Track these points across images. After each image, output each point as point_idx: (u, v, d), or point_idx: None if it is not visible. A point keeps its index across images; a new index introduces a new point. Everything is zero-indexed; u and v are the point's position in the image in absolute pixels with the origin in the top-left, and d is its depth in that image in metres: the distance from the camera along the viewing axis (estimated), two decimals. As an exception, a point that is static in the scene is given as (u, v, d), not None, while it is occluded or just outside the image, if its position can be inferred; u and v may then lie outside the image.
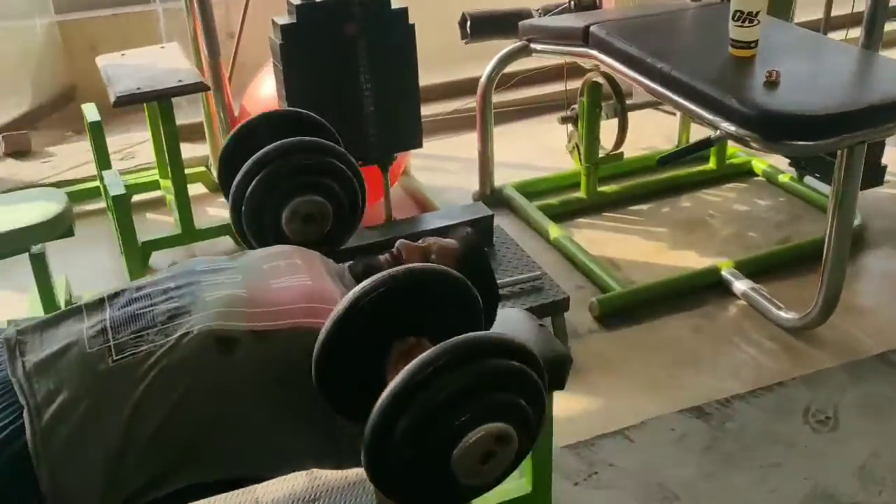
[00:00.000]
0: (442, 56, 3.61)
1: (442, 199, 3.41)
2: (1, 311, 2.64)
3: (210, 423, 1.32)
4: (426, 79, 4.17)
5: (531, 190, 3.45)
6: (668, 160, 2.51)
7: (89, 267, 3.01)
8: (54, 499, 1.26)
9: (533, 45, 3.13)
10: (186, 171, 3.00)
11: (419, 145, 2.96)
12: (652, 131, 3.80)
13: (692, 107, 2.36)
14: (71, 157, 3.80)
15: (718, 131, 2.29)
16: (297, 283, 1.48)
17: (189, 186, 3.03)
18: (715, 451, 2.24)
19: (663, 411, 2.37)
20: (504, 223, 3.30)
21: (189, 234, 3.01)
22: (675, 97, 2.41)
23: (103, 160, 3.07)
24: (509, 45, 3.24)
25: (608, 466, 2.20)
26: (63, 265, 2.77)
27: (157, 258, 3.03)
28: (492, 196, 3.42)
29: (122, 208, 2.74)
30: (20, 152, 3.84)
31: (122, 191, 2.73)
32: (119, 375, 1.31)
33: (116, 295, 1.45)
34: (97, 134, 3.03)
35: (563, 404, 2.40)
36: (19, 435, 1.26)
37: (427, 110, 4.13)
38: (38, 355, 1.34)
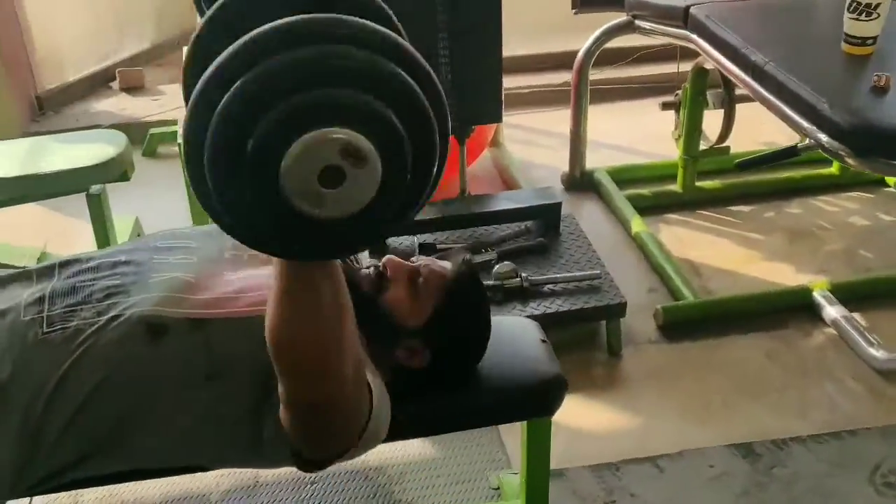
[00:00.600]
0: (559, 24, 3.40)
1: (529, 177, 3.23)
2: (69, 245, 2.73)
3: (125, 417, 1.25)
4: (535, 48, 4.01)
5: (624, 177, 3.20)
6: (747, 165, 2.23)
7: (164, 209, 3.05)
8: None
9: (638, 22, 2.87)
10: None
11: (497, 119, 2.80)
12: (773, 126, 3.43)
13: (781, 106, 2.07)
14: (180, 98, 3.87)
15: (808, 139, 2.00)
16: (255, 274, 1.38)
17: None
18: (753, 498, 2.00)
19: (706, 443, 2.14)
20: (589, 210, 3.10)
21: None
22: (765, 93, 2.12)
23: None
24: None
25: (628, 496, 2.00)
26: (142, 204, 2.82)
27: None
28: (581, 179, 3.21)
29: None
30: (134, 88, 3.95)
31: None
32: (44, 349, 1.26)
33: (68, 264, 1.40)
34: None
35: (595, 418, 2.22)
36: None
37: (537, 80, 3.98)
38: None
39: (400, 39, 0.90)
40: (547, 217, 2.62)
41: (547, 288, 2.40)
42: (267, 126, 0.85)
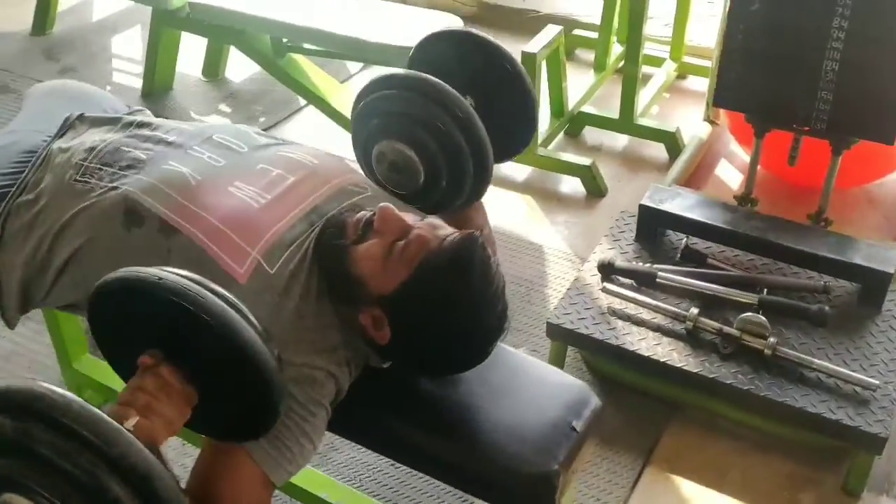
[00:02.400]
0: None
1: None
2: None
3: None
4: None
5: None
6: None
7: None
8: None
9: None
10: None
11: (886, 141, 2.10)
12: None
13: None
14: None
15: None
16: (250, 200, 1.27)
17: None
18: None
19: None
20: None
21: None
22: None
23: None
24: None
25: None
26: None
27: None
28: None
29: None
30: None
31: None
32: (67, 194, 1.31)
33: (142, 125, 1.42)
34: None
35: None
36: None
37: None
38: (64, 143, 1.42)
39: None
40: (868, 285, 1.96)
41: (795, 369, 1.82)
42: None
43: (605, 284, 2.01)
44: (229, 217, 1.24)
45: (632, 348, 1.89)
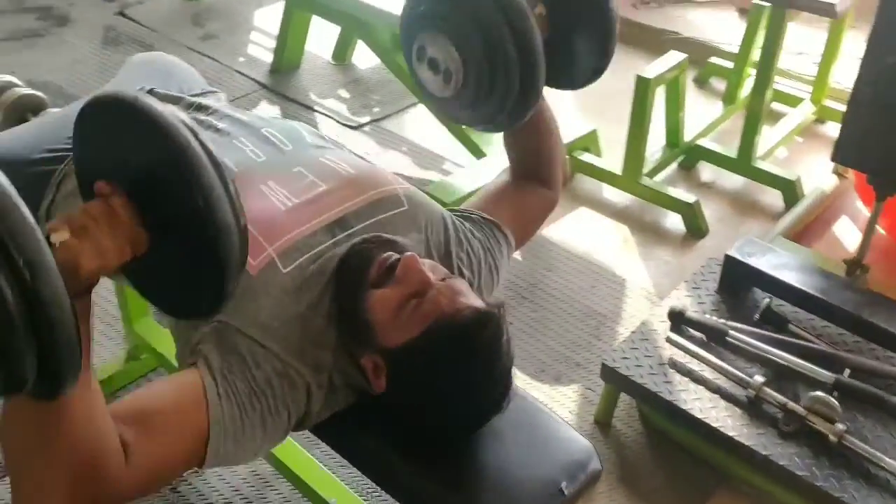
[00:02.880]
0: None
1: None
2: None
3: None
4: None
5: None
6: None
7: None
8: None
9: None
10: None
11: None
12: None
13: None
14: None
15: None
16: (277, 202, 1.25)
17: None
18: None
19: None
20: None
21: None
22: None
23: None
24: None
25: None
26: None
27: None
28: None
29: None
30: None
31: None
32: None
33: (202, 109, 1.45)
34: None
35: None
36: None
37: None
38: None
39: None
40: None
41: (862, 463, 1.66)
42: None
43: (671, 334, 1.89)
44: (254, 213, 1.23)
45: (685, 406, 1.77)
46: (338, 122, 2.97)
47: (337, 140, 1.49)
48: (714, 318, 1.94)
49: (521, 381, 2.02)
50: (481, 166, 2.51)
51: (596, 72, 1.43)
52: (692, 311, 1.93)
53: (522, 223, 1.45)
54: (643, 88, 2.37)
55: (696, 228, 2.51)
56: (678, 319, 1.92)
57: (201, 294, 0.96)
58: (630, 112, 2.46)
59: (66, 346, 0.78)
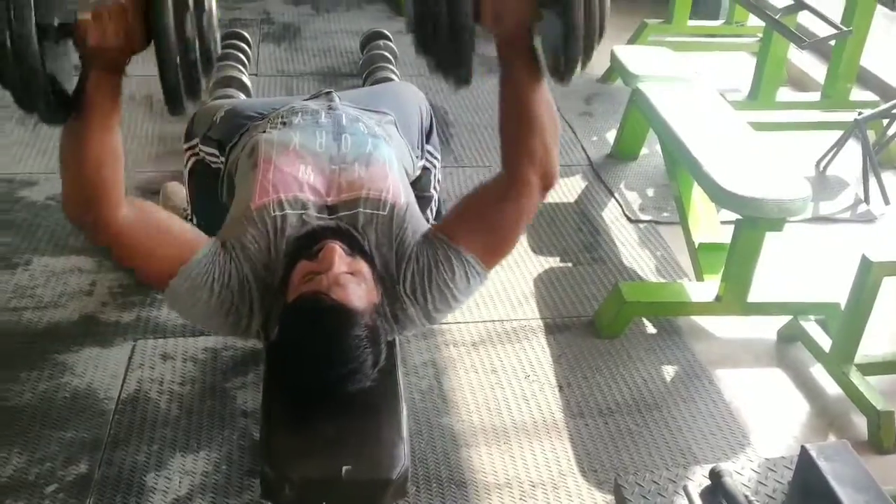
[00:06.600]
0: None
1: None
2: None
3: None
4: None
5: None
6: None
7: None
8: None
9: None
10: None
11: None
12: None
13: None
14: None
15: None
16: (301, 176, 1.70)
17: None
18: None
19: None
20: None
21: None
22: None
23: None
24: None
25: None
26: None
27: None
28: None
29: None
30: None
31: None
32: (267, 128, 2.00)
33: (320, 97, 2.11)
34: None
35: None
36: None
37: None
38: (298, 104, 2.06)
39: None
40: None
41: None
42: None
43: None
44: (281, 174, 1.69)
45: None
46: (623, 211, 3.16)
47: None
48: None
49: None
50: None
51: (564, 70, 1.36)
52: None
53: (493, 244, 1.60)
54: (864, 273, 2.18)
55: (875, 441, 2.22)
56: None
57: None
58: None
59: (28, 76, 1.19)
